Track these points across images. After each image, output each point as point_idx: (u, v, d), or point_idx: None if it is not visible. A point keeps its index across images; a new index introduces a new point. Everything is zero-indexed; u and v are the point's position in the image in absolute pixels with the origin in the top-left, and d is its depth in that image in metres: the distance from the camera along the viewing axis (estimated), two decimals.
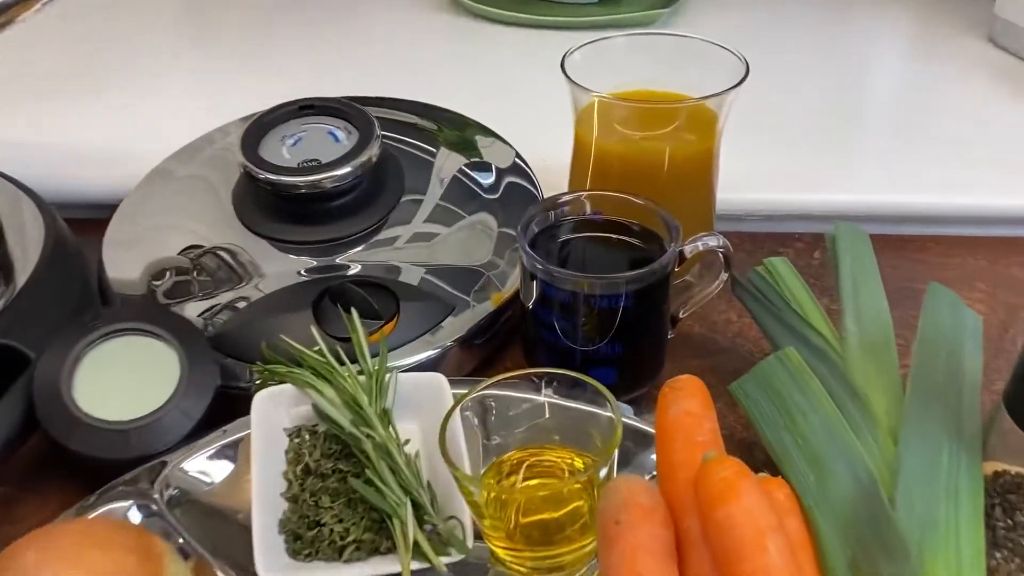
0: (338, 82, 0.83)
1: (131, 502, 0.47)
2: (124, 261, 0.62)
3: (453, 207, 0.63)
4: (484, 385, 0.47)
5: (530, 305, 0.54)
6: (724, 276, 0.56)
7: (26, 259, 0.59)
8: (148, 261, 0.61)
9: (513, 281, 0.60)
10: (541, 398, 0.48)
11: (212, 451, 0.49)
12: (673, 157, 0.57)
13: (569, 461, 0.48)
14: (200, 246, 0.61)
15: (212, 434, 0.50)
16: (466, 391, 0.47)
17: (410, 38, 0.95)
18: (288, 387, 0.50)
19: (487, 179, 0.66)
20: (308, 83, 0.85)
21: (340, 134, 0.62)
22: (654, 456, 0.48)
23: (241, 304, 0.57)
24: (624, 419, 0.45)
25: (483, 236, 0.62)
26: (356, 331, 0.51)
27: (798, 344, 0.50)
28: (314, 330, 0.51)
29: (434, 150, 0.67)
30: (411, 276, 0.58)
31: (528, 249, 0.52)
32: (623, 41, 0.62)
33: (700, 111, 0.57)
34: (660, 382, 0.48)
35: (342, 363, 0.50)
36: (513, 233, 0.62)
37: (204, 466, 0.49)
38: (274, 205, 0.61)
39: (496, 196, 0.65)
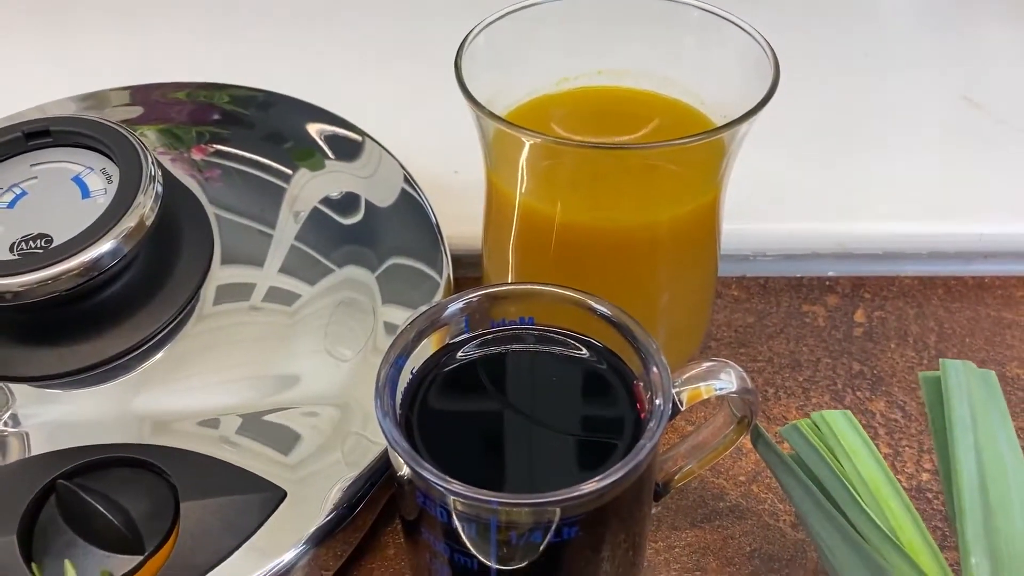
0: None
1: None
2: None
3: (299, 283, 0.39)
4: None
5: (405, 512, 0.31)
6: (740, 433, 0.33)
7: None
8: None
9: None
10: None
11: None
12: (657, 226, 0.34)
13: None
14: None
15: None
16: None
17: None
18: None
19: (364, 234, 0.42)
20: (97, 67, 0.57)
21: (92, 181, 0.37)
22: None
23: None
24: None
25: (353, 324, 0.38)
26: None
27: None
28: None
29: (284, 170, 0.43)
30: (207, 435, 0.35)
31: (395, 433, 0.28)
32: (561, 6, 0.37)
33: (701, 151, 0.33)
34: None
35: None
36: (397, 321, 0.39)
37: None
38: None
39: (366, 237, 0.41)
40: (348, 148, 0.45)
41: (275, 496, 0.33)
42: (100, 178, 0.37)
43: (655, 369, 0.29)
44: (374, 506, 0.36)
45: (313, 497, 0.34)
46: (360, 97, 0.51)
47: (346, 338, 0.38)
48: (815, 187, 0.50)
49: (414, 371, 0.31)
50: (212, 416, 0.35)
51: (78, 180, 0.37)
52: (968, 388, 0.29)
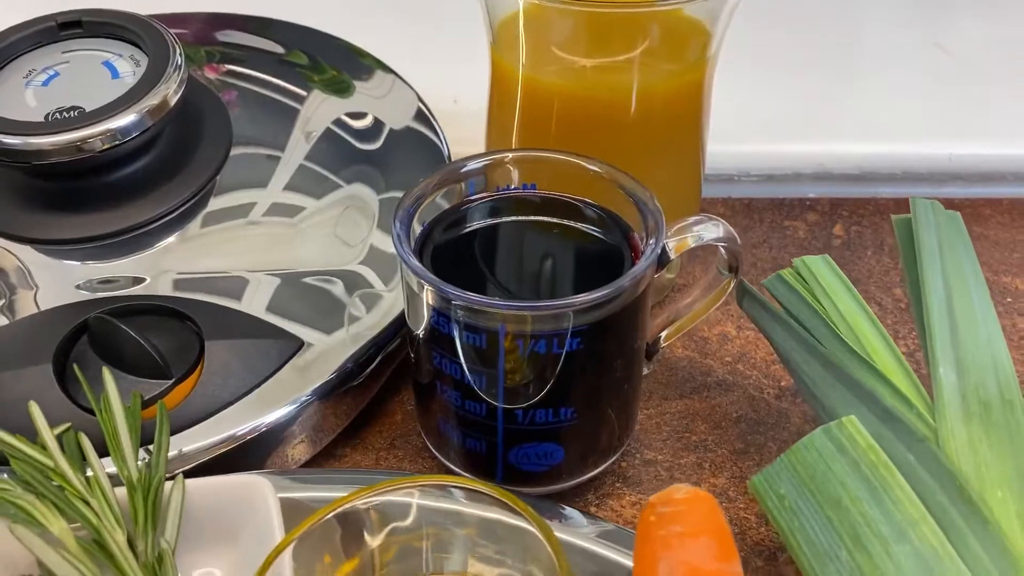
0: None
1: None
2: None
3: (313, 178, 0.42)
4: (331, 511, 0.26)
5: (420, 340, 0.33)
6: (727, 284, 0.36)
7: None
8: None
9: (397, 290, 0.39)
10: (444, 505, 0.28)
11: None
12: (645, 94, 0.36)
13: None
14: None
15: None
16: (319, 501, 0.26)
17: None
18: None
19: (371, 137, 0.44)
20: None
21: (122, 66, 0.39)
22: None
23: None
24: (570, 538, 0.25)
25: (359, 219, 0.41)
26: (108, 406, 0.29)
27: (857, 405, 0.30)
28: (33, 409, 0.30)
29: (295, 90, 0.45)
30: (236, 291, 0.37)
31: (410, 257, 0.31)
32: None
33: (685, 25, 0.36)
34: (632, 447, 0.34)
35: (84, 467, 0.29)
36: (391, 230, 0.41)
37: None
38: (17, 184, 0.38)
39: (379, 159, 0.43)
40: (359, 70, 0.48)
41: (292, 344, 0.35)
42: (129, 63, 0.39)
43: (649, 221, 0.32)
44: (382, 371, 0.39)
45: (326, 353, 0.36)
46: (361, 24, 0.52)
47: (354, 225, 0.40)
48: (797, 112, 0.53)
49: (425, 223, 0.34)
50: (232, 276, 0.37)
51: (108, 64, 0.39)
52: (936, 223, 0.32)
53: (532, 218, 0.34)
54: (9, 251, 0.38)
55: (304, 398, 0.35)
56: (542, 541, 0.25)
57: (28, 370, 0.32)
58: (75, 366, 0.31)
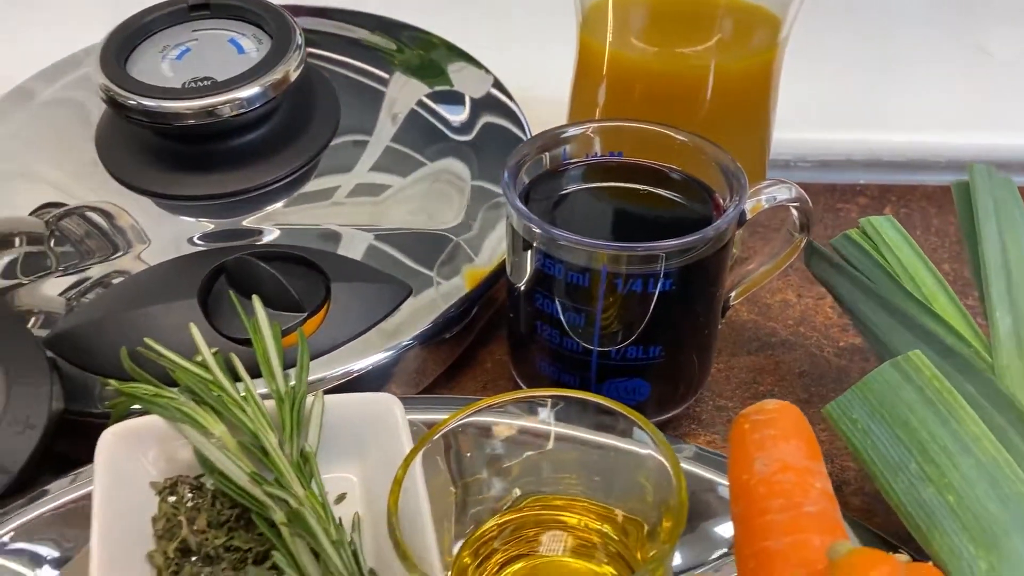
0: None
1: None
2: None
3: (409, 150, 0.46)
4: (461, 416, 0.30)
5: (521, 289, 0.37)
6: (799, 242, 0.39)
7: None
8: None
9: (494, 251, 0.43)
10: (546, 427, 0.31)
11: (41, 519, 0.32)
12: (722, 74, 0.40)
13: (589, 524, 0.31)
14: (60, 204, 0.43)
15: (42, 491, 0.33)
16: (435, 423, 0.30)
17: None
18: (157, 420, 0.33)
19: (456, 114, 0.48)
20: None
21: (246, 44, 0.44)
22: (720, 528, 0.32)
23: (100, 288, 0.39)
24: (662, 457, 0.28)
25: (451, 190, 0.45)
26: (259, 331, 0.33)
27: (920, 344, 0.34)
28: (194, 328, 0.34)
29: (384, 75, 0.49)
30: (349, 245, 0.41)
31: (519, 204, 0.35)
32: None
33: (759, 11, 0.40)
34: (704, 395, 0.37)
35: (238, 380, 0.33)
36: (491, 188, 0.45)
37: (25, 546, 0.32)
38: (153, 146, 0.43)
39: (469, 137, 0.47)
40: (442, 57, 0.52)
41: (403, 290, 0.39)
42: (252, 41, 0.44)
43: (733, 182, 0.36)
44: (476, 322, 0.42)
45: (429, 302, 0.40)
46: (438, 13, 0.56)
47: (448, 194, 0.44)
48: (850, 102, 0.56)
49: (526, 182, 0.38)
50: (341, 232, 0.41)
51: (233, 41, 0.44)
52: (991, 186, 0.35)
53: (624, 180, 0.38)
54: (138, 203, 0.42)
55: (407, 342, 0.39)
56: (656, 457, 0.28)
57: (177, 304, 0.36)
58: (233, 293, 0.35)
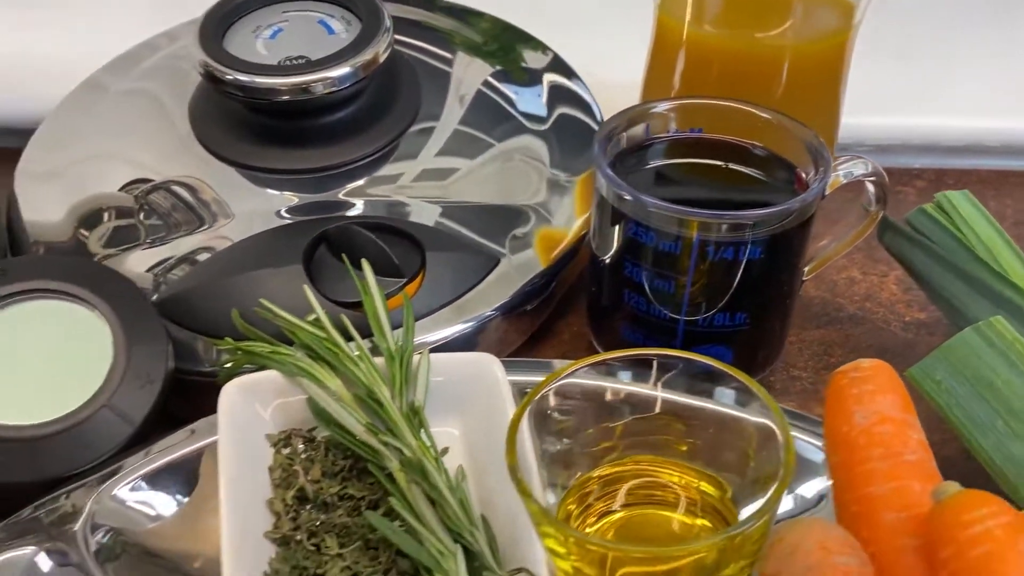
0: None
1: (37, 547, 0.31)
2: (44, 199, 0.46)
3: (485, 131, 0.47)
4: (567, 371, 0.31)
5: (607, 259, 0.38)
6: (875, 215, 0.41)
7: None
8: (76, 200, 0.45)
9: (571, 226, 0.44)
10: (648, 386, 0.33)
11: (161, 468, 0.34)
12: (797, 56, 0.42)
13: (688, 480, 0.33)
14: (147, 179, 0.45)
15: (161, 442, 0.35)
16: (528, 384, 0.32)
17: None
18: (271, 375, 0.34)
19: (529, 97, 0.50)
20: None
21: (336, 25, 0.45)
22: (818, 480, 0.33)
23: (203, 256, 0.41)
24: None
25: (527, 168, 0.46)
26: (370, 292, 0.35)
27: (999, 311, 0.35)
28: (308, 290, 0.36)
29: (457, 58, 0.51)
30: (430, 220, 0.42)
31: (612, 174, 0.36)
32: None
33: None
34: (779, 365, 0.38)
35: (350, 340, 0.34)
36: (564, 168, 0.46)
37: (148, 493, 0.33)
38: (246, 121, 0.44)
39: (542, 118, 0.49)
40: (515, 42, 0.54)
41: (492, 260, 0.41)
42: (341, 23, 0.45)
43: (814, 147, 0.37)
44: (554, 296, 0.44)
45: (509, 275, 0.42)
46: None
47: (527, 172, 0.46)
48: (907, 88, 0.57)
49: (614, 155, 0.39)
50: (428, 205, 0.43)
51: (323, 23, 0.45)
52: None
53: (707, 156, 0.40)
54: (227, 175, 0.44)
55: (489, 313, 0.41)
56: (757, 420, 0.30)
57: (283, 269, 0.38)
58: (345, 257, 0.37)
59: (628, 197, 0.36)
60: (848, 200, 0.43)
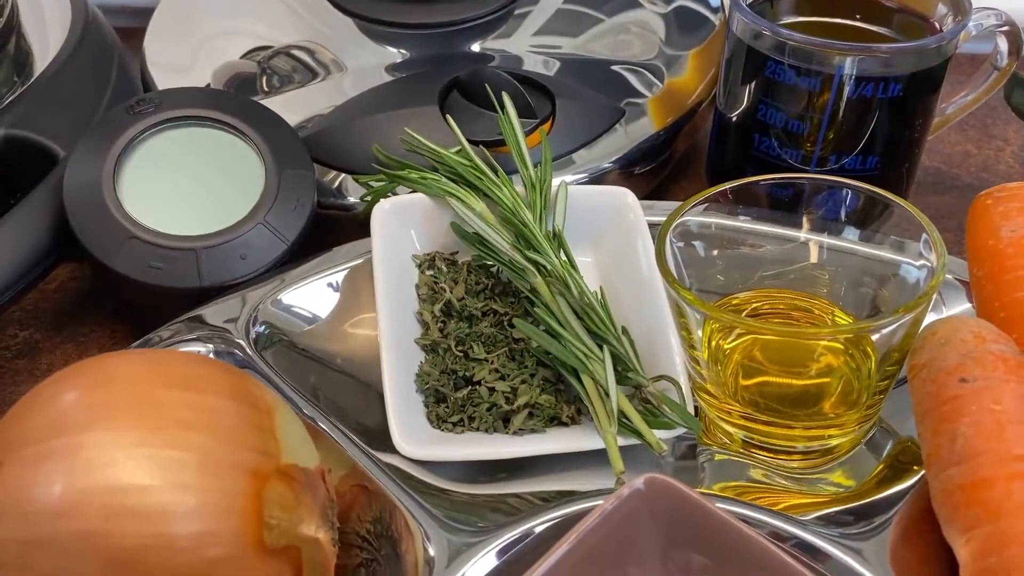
0: None
1: (205, 345, 0.33)
2: (174, 65, 0.47)
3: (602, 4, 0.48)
4: (714, 191, 0.32)
5: (737, 110, 0.39)
6: (1009, 65, 0.40)
7: (48, 49, 0.45)
8: (203, 65, 0.46)
9: (685, 91, 0.45)
10: (790, 225, 0.33)
11: (314, 281, 0.36)
12: None
13: (824, 310, 0.33)
14: (268, 46, 0.47)
15: (315, 259, 0.36)
16: (674, 208, 0.32)
17: None
18: (418, 199, 0.36)
19: None
20: None
21: None
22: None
23: (332, 105, 0.43)
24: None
25: (646, 37, 0.47)
26: (511, 126, 0.36)
27: None
28: (451, 123, 0.37)
29: None
30: (560, 70, 0.43)
31: (750, 11, 0.37)
32: None
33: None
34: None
35: (494, 170, 0.36)
36: (678, 44, 0.47)
37: (303, 299, 0.35)
38: None
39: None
40: None
41: (617, 112, 0.42)
42: None
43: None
44: (671, 158, 0.45)
45: (632, 130, 0.43)
46: None
47: (647, 35, 0.47)
48: None
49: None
50: (552, 62, 0.44)
51: None
52: None
53: (840, 10, 0.40)
54: (349, 33, 0.45)
55: (607, 165, 0.42)
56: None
57: (418, 110, 0.39)
58: (490, 92, 0.38)
59: (767, 32, 0.36)
60: (970, 75, 0.43)
